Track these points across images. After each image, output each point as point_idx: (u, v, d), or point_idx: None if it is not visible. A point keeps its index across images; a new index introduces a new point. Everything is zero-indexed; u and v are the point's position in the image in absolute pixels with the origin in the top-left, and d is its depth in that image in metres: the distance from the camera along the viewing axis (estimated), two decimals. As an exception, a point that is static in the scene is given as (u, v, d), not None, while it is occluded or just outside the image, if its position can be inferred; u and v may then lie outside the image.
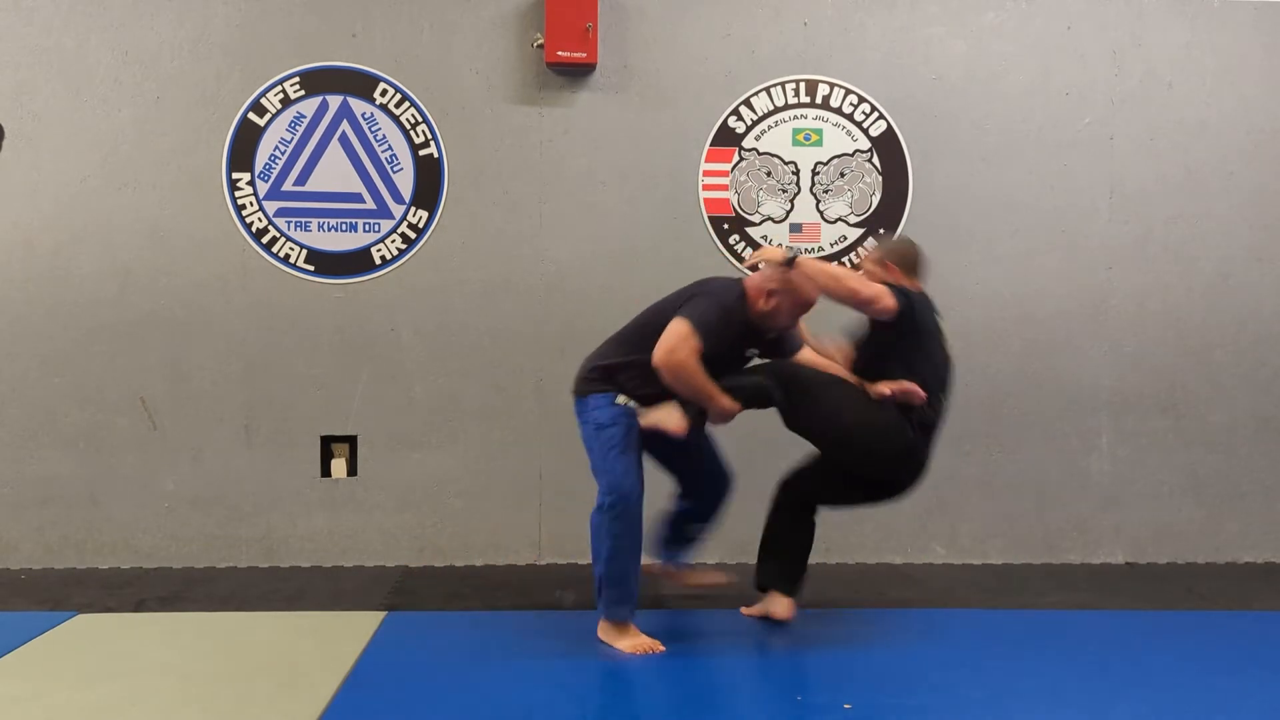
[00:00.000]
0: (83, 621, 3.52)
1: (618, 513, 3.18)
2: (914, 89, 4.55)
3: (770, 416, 4.59)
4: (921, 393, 3.16)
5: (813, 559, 4.56)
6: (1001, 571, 4.47)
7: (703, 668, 3.06)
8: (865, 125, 4.56)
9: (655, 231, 4.53)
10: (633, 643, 3.21)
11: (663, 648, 3.18)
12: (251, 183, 4.41)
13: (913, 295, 3.27)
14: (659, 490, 3.66)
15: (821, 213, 4.56)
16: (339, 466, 4.50)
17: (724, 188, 4.54)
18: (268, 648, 3.24)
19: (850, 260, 4.57)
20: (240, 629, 3.47)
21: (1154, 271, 4.63)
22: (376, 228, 4.47)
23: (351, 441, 4.50)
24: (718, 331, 3.18)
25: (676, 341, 3.13)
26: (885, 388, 3.17)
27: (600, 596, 3.27)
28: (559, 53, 4.30)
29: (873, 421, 3.18)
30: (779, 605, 3.43)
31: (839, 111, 4.55)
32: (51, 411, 4.39)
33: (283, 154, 4.42)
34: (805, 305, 3.28)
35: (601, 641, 3.26)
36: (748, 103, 4.53)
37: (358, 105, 4.43)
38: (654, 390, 3.22)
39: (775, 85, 4.53)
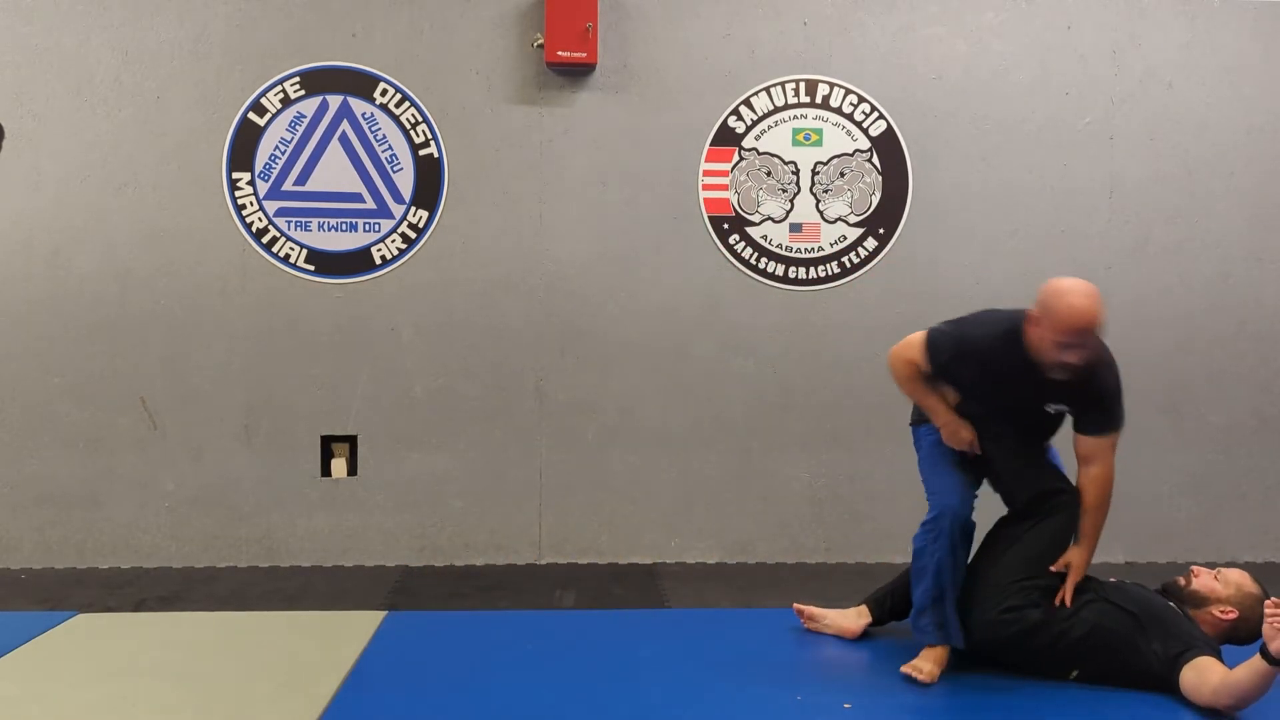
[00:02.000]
0: (83, 621, 3.52)
1: (934, 531, 2.95)
2: (914, 89, 4.55)
3: (768, 413, 4.60)
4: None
5: (812, 559, 4.59)
6: (1001, 571, 4.46)
7: (703, 667, 3.05)
8: (865, 125, 4.56)
9: (655, 231, 4.53)
10: (931, 671, 2.88)
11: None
12: (251, 182, 4.41)
13: None
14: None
15: (821, 212, 4.56)
16: (339, 466, 4.50)
17: (724, 187, 4.54)
18: (268, 648, 3.23)
19: (849, 260, 4.57)
20: (240, 629, 3.46)
21: (1154, 271, 4.63)
22: (376, 227, 4.47)
23: (351, 441, 4.50)
24: (954, 356, 2.88)
25: (899, 348, 2.96)
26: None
27: (916, 620, 3.00)
28: (559, 53, 4.30)
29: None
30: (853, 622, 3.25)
31: (839, 111, 4.55)
32: (51, 411, 4.39)
33: (283, 154, 4.42)
34: (1062, 338, 2.70)
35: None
36: (748, 103, 4.53)
37: (358, 105, 4.43)
38: (977, 411, 2.98)
39: (775, 85, 4.53)
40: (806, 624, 3.31)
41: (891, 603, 3.26)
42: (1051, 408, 2.95)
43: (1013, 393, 2.91)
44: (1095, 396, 2.93)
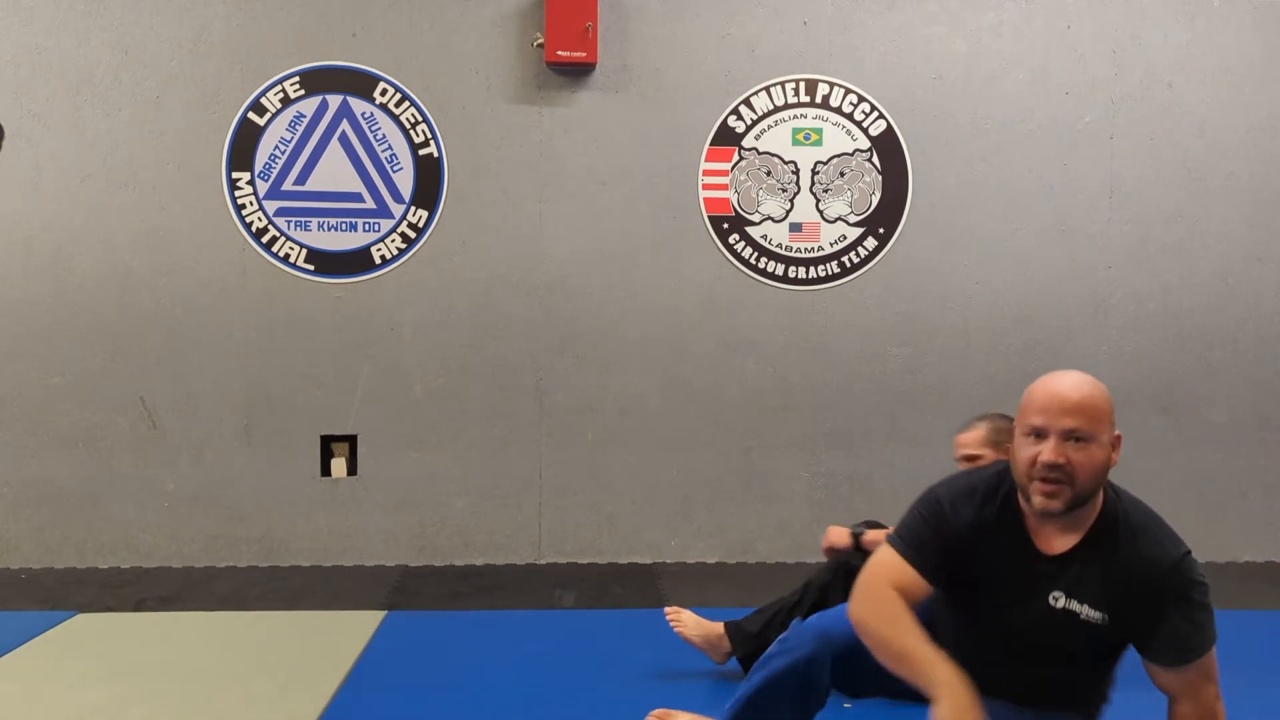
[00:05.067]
0: (83, 621, 3.52)
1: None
2: (914, 89, 4.55)
3: (768, 413, 4.60)
4: None
5: (812, 559, 4.57)
6: (1001, 571, 4.46)
7: (702, 667, 3.06)
8: (865, 125, 4.55)
9: (655, 231, 4.53)
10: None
11: None
12: (251, 182, 4.41)
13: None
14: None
15: (821, 212, 4.56)
16: (339, 466, 4.50)
17: (724, 187, 4.54)
18: (268, 648, 3.24)
19: (849, 260, 4.58)
20: (240, 629, 3.47)
21: (1154, 271, 4.63)
22: (376, 227, 4.47)
23: (351, 441, 4.50)
24: (937, 545, 1.98)
25: (868, 580, 1.99)
26: None
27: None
28: (559, 52, 4.30)
29: None
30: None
31: (839, 111, 4.55)
32: (51, 411, 4.39)
33: (283, 153, 4.42)
34: (1030, 417, 1.84)
35: None
36: (747, 102, 4.52)
37: (357, 105, 4.43)
38: None
39: (775, 85, 4.53)
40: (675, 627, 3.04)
41: (756, 647, 2.77)
42: (1061, 601, 1.82)
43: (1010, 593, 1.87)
44: (1148, 588, 1.77)
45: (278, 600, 3.95)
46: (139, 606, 3.84)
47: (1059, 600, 1.79)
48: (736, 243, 4.55)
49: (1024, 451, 1.78)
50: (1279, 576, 4.46)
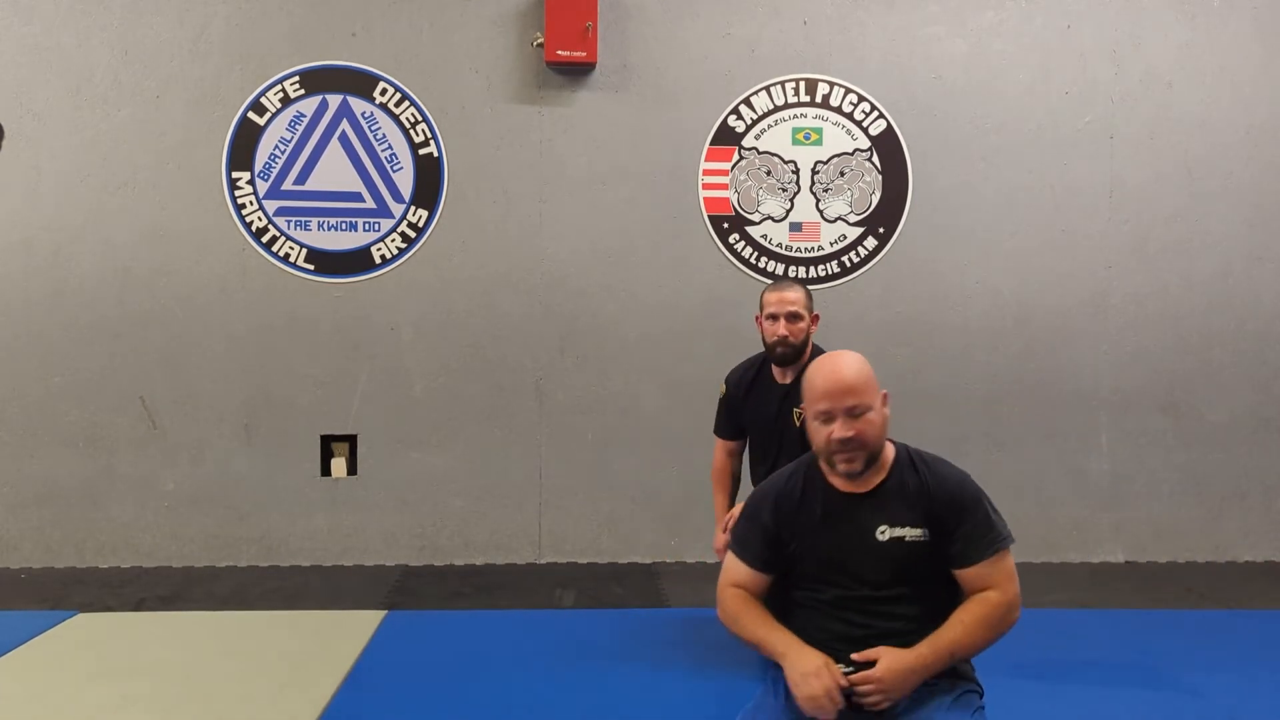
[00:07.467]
0: (83, 620, 3.52)
1: None
2: (914, 89, 4.55)
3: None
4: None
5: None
6: (1001, 571, 4.46)
7: (702, 667, 3.06)
8: (865, 124, 4.55)
9: (655, 230, 4.53)
10: None
11: None
12: (251, 182, 4.41)
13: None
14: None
15: (821, 212, 4.56)
16: (339, 466, 4.50)
17: (724, 187, 4.54)
18: (268, 648, 3.24)
19: (849, 260, 4.58)
20: (240, 629, 3.47)
21: (1154, 271, 4.63)
22: (376, 227, 4.47)
23: (351, 441, 4.50)
24: (752, 522, 2.29)
25: (720, 586, 2.33)
26: None
27: None
28: (559, 52, 4.30)
29: None
30: None
31: (839, 110, 4.55)
32: (51, 411, 4.39)
33: (282, 153, 4.42)
34: (815, 402, 2.10)
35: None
36: (747, 102, 4.52)
37: (357, 104, 4.43)
38: None
39: (775, 84, 4.53)
40: None
41: None
42: (887, 533, 2.08)
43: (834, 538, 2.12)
44: (945, 500, 2.10)
45: (278, 600, 3.95)
46: (139, 606, 3.85)
47: (885, 533, 2.08)
48: (736, 242, 4.55)
49: (819, 434, 2.09)
50: (1279, 576, 4.46)
